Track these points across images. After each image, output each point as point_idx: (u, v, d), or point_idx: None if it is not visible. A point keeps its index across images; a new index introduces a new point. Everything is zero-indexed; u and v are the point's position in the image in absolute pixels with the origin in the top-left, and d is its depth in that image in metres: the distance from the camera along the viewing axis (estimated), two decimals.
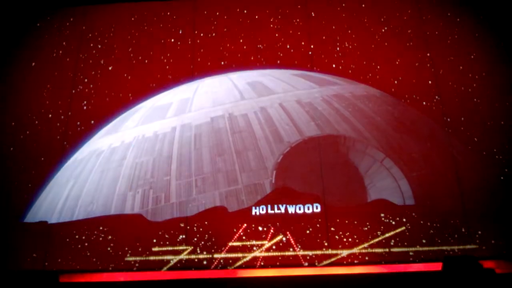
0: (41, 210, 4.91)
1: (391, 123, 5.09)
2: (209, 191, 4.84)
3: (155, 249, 4.62)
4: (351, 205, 4.71)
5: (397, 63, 5.35)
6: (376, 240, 4.53)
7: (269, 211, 4.71)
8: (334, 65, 5.38)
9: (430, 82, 5.23)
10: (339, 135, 5.04)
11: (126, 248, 4.64)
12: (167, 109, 5.39)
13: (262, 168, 4.90)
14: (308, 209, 4.70)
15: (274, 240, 4.59)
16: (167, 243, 4.64)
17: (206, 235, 4.64)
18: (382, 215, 4.62)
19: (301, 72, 5.45)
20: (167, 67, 5.50)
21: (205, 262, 4.54)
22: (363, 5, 5.68)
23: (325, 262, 4.48)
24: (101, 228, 4.74)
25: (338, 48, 5.46)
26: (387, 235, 4.54)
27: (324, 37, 5.54)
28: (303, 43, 5.53)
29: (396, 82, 5.25)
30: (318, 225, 4.62)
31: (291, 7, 5.74)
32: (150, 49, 5.62)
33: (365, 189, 4.78)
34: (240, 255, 4.54)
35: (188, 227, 4.68)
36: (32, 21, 5.84)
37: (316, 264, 4.48)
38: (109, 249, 4.65)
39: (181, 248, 4.61)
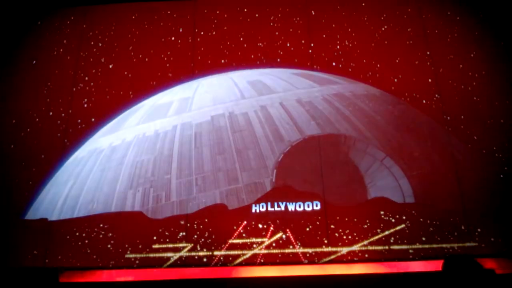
0: (41, 207, 4.92)
1: (392, 123, 5.09)
2: (210, 190, 4.84)
3: (155, 246, 4.62)
4: (351, 203, 4.71)
5: (397, 61, 5.35)
6: (376, 237, 4.53)
7: (269, 208, 4.71)
8: (334, 64, 5.39)
9: (430, 80, 5.23)
10: (339, 134, 5.04)
11: (127, 245, 4.64)
12: (168, 108, 5.39)
13: (262, 167, 4.90)
14: (308, 206, 4.70)
15: (274, 238, 4.59)
16: (167, 240, 4.64)
17: (206, 233, 4.64)
18: (382, 212, 4.63)
19: (301, 71, 5.45)
20: (168, 65, 5.51)
21: (205, 260, 4.55)
22: (363, 4, 5.69)
23: (324, 260, 4.48)
24: (101, 225, 4.75)
25: (338, 47, 5.47)
26: (386, 232, 4.54)
27: (324, 36, 5.55)
28: (303, 42, 5.53)
29: (396, 80, 5.25)
30: (318, 223, 4.62)
31: (291, 5, 5.74)
32: (151, 47, 5.63)
33: (365, 187, 4.78)
34: (240, 252, 4.55)
35: (188, 225, 4.69)
36: (33, 20, 5.84)
37: (316, 261, 4.48)
38: (109, 246, 4.66)
39: (181, 245, 4.62)
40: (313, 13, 5.67)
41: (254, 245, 4.57)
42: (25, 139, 5.21)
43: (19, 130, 5.25)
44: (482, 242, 4.47)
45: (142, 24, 5.79)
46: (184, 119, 5.28)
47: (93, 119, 5.28)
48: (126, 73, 5.51)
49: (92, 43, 5.70)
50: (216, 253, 4.56)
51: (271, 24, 5.67)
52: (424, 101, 5.13)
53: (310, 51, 5.48)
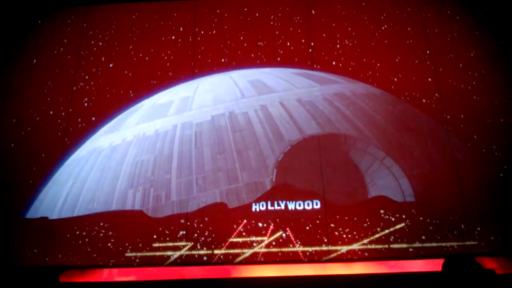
0: (42, 206, 4.92)
1: (392, 122, 5.09)
2: (210, 190, 4.84)
3: (156, 245, 4.63)
4: (351, 202, 4.72)
5: (397, 60, 5.36)
6: (376, 236, 4.53)
7: (269, 207, 4.72)
8: (334, 63, 5.39)
9: (430, 79, 5.24)
10: (339, 133, 5.04)
11: (127, 244, 4.65)
12: (168, 107, 5.40)
13: (262, 166, 4.90)
14: (308, 205, 4.71)
15: (274, 236, 4.59)
16: (168, 239, 4.65)
17: (207, 231, 4.65)
18: (382, 211, 4.63)
19: (301, 71, 5.45)
20: (168, 64, 5.51)
21: (205, 258, 4.55)
22: (363, 3, 5.69)
23: (324, 258, 4.48)
24: (101, 224, 4.76)
25: (338, 46, 5.47)
26: (386, 231, 4.55)
27: (324, 35, 5.55)
28: (303, 41, 5.54)
29: (396, 79, 5.26)
30: (317, 222, 4.63)
31: (292, 5, 5.75)
32: (151, 46, 5.63)
33: (366, 187, 4.78)
34: (240, 251, 4.55)
35: (188, 223, 4.70)
36: (34, 19, 5.85)
37: (316, 259, 4.48)
38: (109, 245, 4.66)
39: (181, 244, 4.62)
40: (313, 13, 5.68)
41: (254, 244, 4.57)
42: (25, 138, 5.21)
43: (19, 129, 5.26)
44: (482, 241, 4.47)
45: (142, 23, 5.79)
46: (184, 118, 5.29)
47: (93, 118, 5.29)
48: (126, 72, 5.52)
49: (93, 42, 5.71)
50: (216, 251, 4.57)
51: (271, 23, 5.67)
52: (424, 100, 5.14)
53: (310, 50, 5.48)
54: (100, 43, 5.70)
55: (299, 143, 5.01)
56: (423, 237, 4.50)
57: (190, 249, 4.59)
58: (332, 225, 4.60)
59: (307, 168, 4.89)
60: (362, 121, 5.10)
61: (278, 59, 5.47)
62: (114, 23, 5.81)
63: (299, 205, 4.71)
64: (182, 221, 4.71)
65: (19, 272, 3.74)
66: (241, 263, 4.53)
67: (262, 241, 4.58)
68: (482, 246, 4.45)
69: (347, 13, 5.65)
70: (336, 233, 4.57)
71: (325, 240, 4.55)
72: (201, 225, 4.68)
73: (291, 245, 4.55)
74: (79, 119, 5.28)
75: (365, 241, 4.52)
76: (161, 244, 4.63)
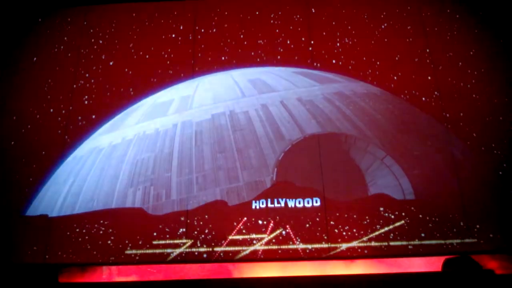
0: (42, 204, 4.93)
1: (392, 121, 5.09)
2: (210, 188, 4.85)
3: (156, 242, 4.63)
4: (351, 199, 4.72)
5: (396, 59, 5.36)
6: (375, 233, 4.53)
7: (269, 205, 4.72)
8: (334, 61, 5.39)
9: (429, 77, 5.24)
10: (340, 133, 5.04)
11: (127, 241, 4.65)
12: (168, 106, 5.40)
13: (263, 165, 4.91)
14: (308, 203, 4.71)
15: (274, 234, 4.59)
16: (168, 236, 4.65)
17: (206, 229, 4.65)
18: (382, 209, 4.63)
19: (302, 70, 5.45)
20: (168, 62, 5.52)
21: (205, 256, 4.55)
22: (363, 2, 5.70)
23: (324, 256, 4.49)
24: (101, 221, 4.76)
25: (338, 44, 5.48)
26: (386, 229, 4.54)
27: (324, 33, 5.55)
28: (303, 39, 5.54)
29: (395, 78, 5.26)
30: (317, 219, 4.63)
31: (292, 3, 5.75)
32: (151, 44, 5.64)
33: (366, 185, 4.78)
34: (240, 248, 4.55)
35: (188, 221, 4.70)
36: (34, 18, 5.86)
37: (315, 257, 4.48)
38: (109, 242, 4.66)
39: (181, 241, 4.62)
40: (313, 11, 5.68)
41: (254, 241, 4.57)
42: (25, 136, 5.22)
43: (19, 127, 5.26)
44: (481, 238, 4.47)
45: (142, 21, 5.79)
46: (184, 117, 5.29)
47: (93, 116, 5.29)
48: (126, 70, 5.52)
49: (93, 40, 5.71)
50: (216, 249, 4.57)
51: (271, 21, 5.67)
52: (423, 99, 5.14)
53: (310, 48, 5.49)
54: (100, 41, 5.71)
55: (300, 142, 5.02)
56: (423, 235, 4.50)
57: (190, 246, 4.59)
58: (332, 222, 4.60)
59: (308, 167, 4.89)
60: (363, 120, 5.10)
61: (278, 57, 5.47)
62: (114, 22, 5.81)
63: (299, 203, 4.71)
64: (182, 218, 4.72)
65: (19, 271, 3.75)
66: (241, 260, 4.53)
67: (262, 238, 4.59)
68: (481, 244, 4.45)
69: (347, 12, 5.65)
70: (336, 230, 4.57)
71: (325, 237, 4.55)
72: (201, 223, 4.68)
73: (290, 243, 4.55)
74: (79, 117, 5.28)
75: (365, 238, 4.52)
76: (161, 242, 4.63)
